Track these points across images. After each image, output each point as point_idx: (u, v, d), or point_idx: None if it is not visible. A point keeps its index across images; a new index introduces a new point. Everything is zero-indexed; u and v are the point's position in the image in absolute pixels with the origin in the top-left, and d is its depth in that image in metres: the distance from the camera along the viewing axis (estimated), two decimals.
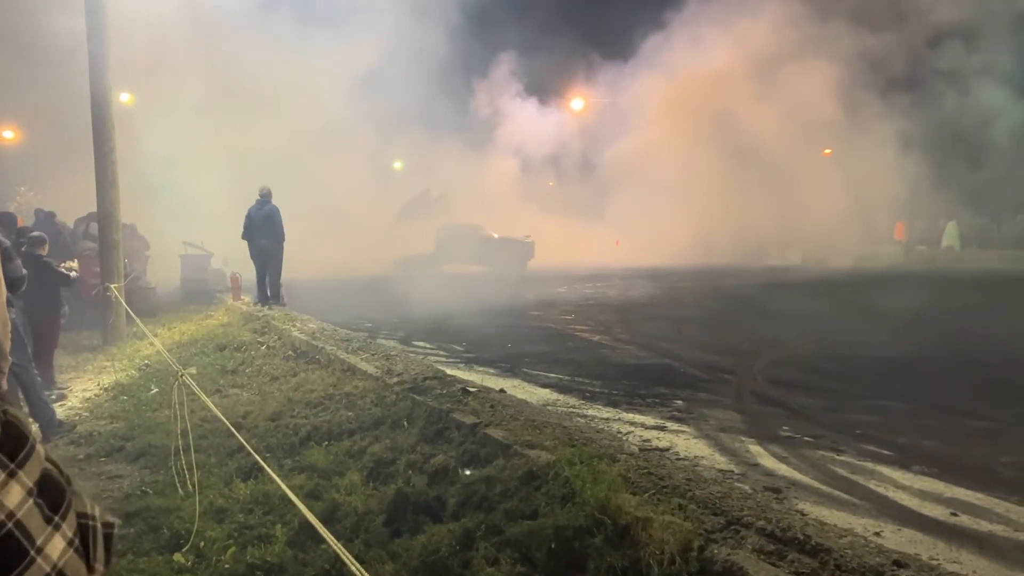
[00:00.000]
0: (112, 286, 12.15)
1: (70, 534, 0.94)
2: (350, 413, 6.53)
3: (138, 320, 10.24)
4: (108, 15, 12.93)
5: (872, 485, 5.19)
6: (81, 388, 9.69)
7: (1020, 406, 7.52)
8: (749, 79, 32.41)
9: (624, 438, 6.08)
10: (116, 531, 1.05)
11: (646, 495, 3.88)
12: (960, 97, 27.19)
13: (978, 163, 25.97)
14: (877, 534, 4.33)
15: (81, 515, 0.98)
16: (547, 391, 8.37)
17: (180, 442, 5.05)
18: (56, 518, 0.93)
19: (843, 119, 31.41)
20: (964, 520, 4.59)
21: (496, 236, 30.02)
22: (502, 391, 6.90)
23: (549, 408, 7.06)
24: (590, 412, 7.35)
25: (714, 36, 33.62)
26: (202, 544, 4.45)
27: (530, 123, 38.89)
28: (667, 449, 6.01)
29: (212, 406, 5.03)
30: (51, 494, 0.93)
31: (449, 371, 8.05)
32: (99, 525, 1.01)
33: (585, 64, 39.22)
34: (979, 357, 10.22)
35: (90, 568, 0.96)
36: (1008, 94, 25.59)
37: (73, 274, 9.53)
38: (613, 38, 38.79)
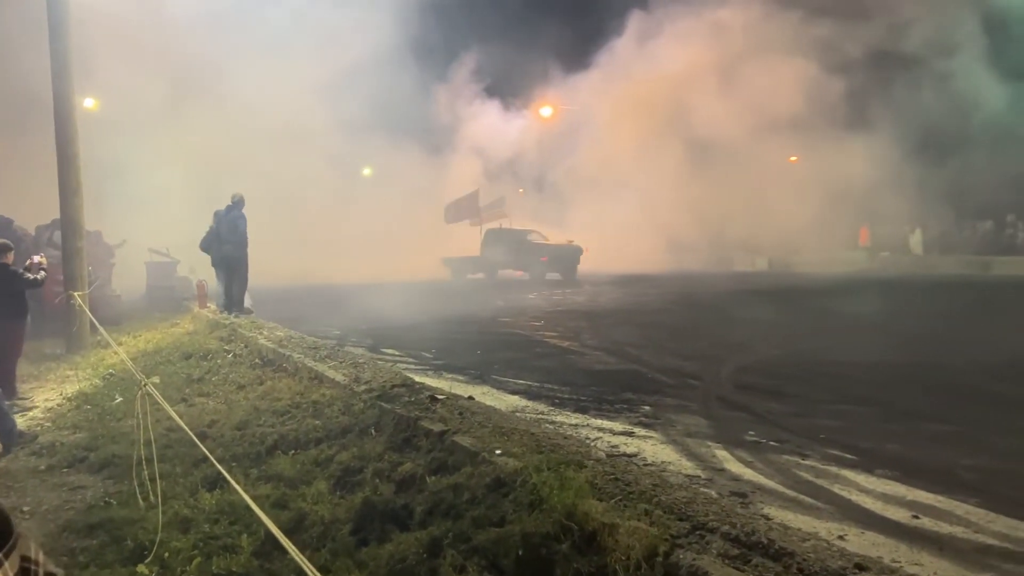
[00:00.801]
0: (76, 294, 11.99)
1: (12, 574, 0.94)
2: (317, 421, 6.49)
3: (102, 329, 10.10)
4: (71, 16, 12.77)
5: (836, 489, 5.25)
6: (43, 398, 9.55)
7: (980, 409, 7.66)
8: (714, 85, 32.69)
9: (592, 444, 6.09)
10: None
11: (613, 501, 3.90)
12: (924, 106, 27.61)
13: (940, 170, 26.40)
14: (841, 537, 4.38)
15: (25, 558, 0.98)
16: (516, 398, 8.38)
17: (144, 452, 4.99)
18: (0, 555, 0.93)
19: (808, 127, 31.78)
20: (925, 522, 4.66)
21: (545, 241, 29.85)
22: (471, 398, 6.90)
23: (518, 415, 7.06)
24: (559, 418, 7.37)
25: (676, 42, 33.81)
26: (166, 555, 4.40)
27: (495, 129, 38.89)
28: (634, 455, 6.04)
29: (175, 416, 4.98)
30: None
31: (418, 378, 8.02)
32: (41, 572, 1.01)
33: (551, 70, 39.26)
34: (940, 361, 10.38)
35: None
36: (972, 102, 26.06)
37: (42, 274, 9.37)
38: (578, 44, 38.59)
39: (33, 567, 1.00)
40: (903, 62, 28.43)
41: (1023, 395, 8.28)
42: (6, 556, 0.92)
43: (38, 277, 9.31)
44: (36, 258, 9.63)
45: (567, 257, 28.87)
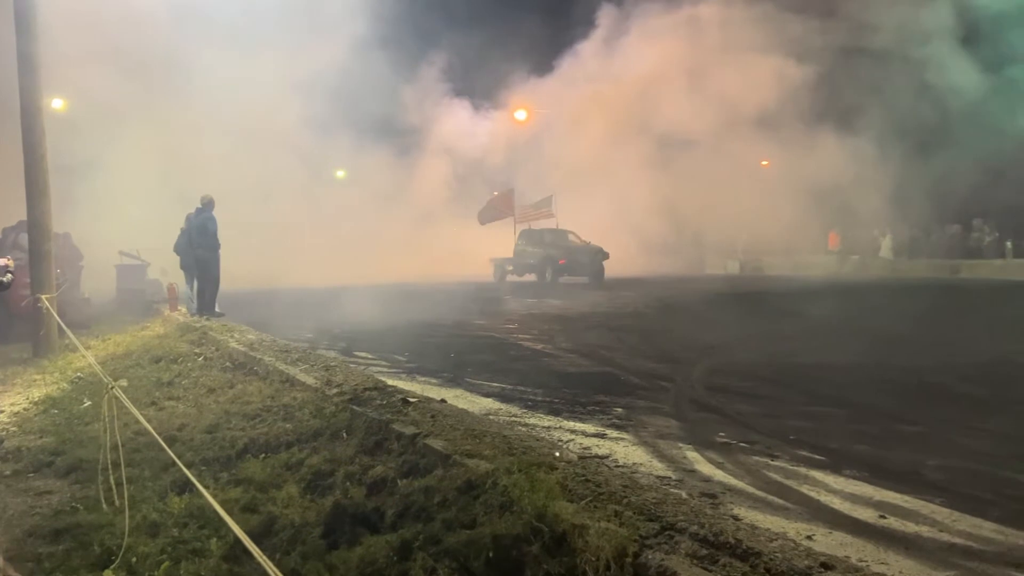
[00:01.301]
0: (44, 297, 11.83)
1: None
2: (288, 425, 6.46)
3: (69, 332, 9.98)
4: (39, 15, 12.62)
5: (805, 489, 5.30)
6: (10, 402, 9.41)
7: (946, 410, 7.76)
8: (685, 86, 32.82)
9: (564, 446, 6.12)
10: None
11: (583, 502, 3.92)
12: (895, 111, 27.97)
13: (910, 175, 26.75)
14: (809, 537, 4.43)
15: None
16: (489, 400, 8.37)
17: (111, 457, 4.94)
18: None
19: (780, 131, 32.07)
20: (892, 522, 4.72)
21: (581, 242, 29.43)
22: (443, 401, 6.90)
23: (491, 417, 7.07)
24: (531, 421, 7.38)
25: (646, 42, 33.87)
26: (134, 560, 4.36)
27: (465, 131, 38.72)
28: (606, 456, 6.06)
29: (142, 419, 4.94)
30: None
31: (391, 382, 8.01)
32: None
33: (522, 70, 39.07)
34: (908, 363, 10.51)
35: None
36: (943, 109, 26.41)
37: (8, 276, 9.20)
38: (549, 44, 38.37)
39: None
40: (876, 67, 28.77)
41: (988, 396, 8.40)
42: None
43: (3, 280, 9.14)
44: (2, 261, 9.46)
45: (596, 260, 28.39)
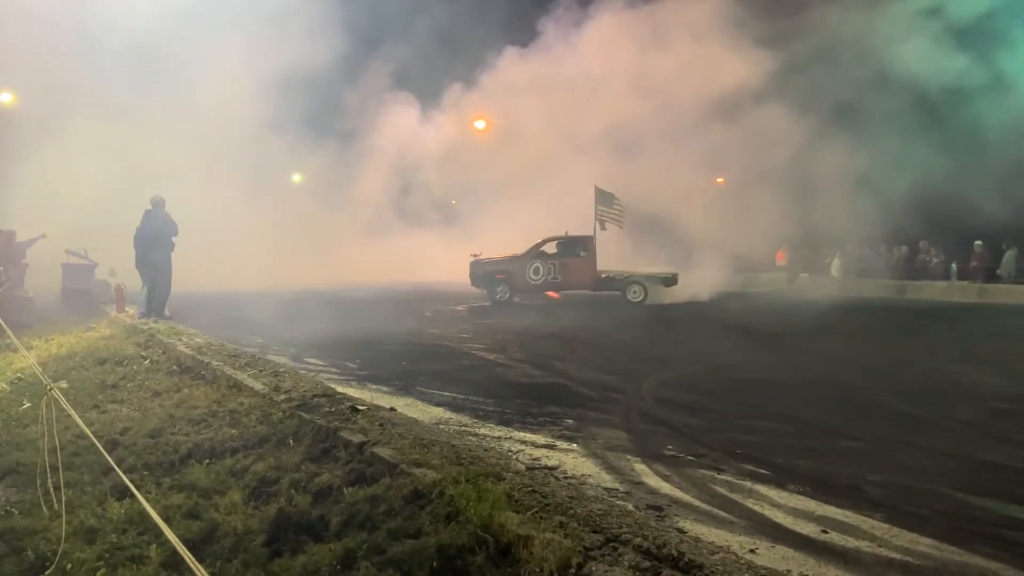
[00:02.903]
0: None
1: None
2: (234, 431, 6.37)
3: (10, 332, 9.73)
4: None
5: (749, 503, 5.38)
6: None
7: (887, 427, 7.91)
8: (634, 95, 32.97)
9: (513, 457, 6.12)
10: None
11: (530, 513, 3.92)
12: (847, 131, 28.48)
13: (859, 196, 27.26)
14: (752, 551, 4.49)
15: None
16: (440, 409, 8.35)
17: (49, 460, 4.83)
18: None
19: (732, 149, 32.43)
20: (833, 537, 4.80)
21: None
22: (392, 409, 6.86)
23: (441, 427, 7.05)
24: (482, 431, 7.37)
25: (595, 56, 33.97)
26: (69, 566, 4.27)
27: (413, 137, 38.41)
28: (555, 468, 6.08)
29: (81, 423, 4.84)
30: None
31: (341, 389, 7.95)
32: None
33: (472, 73, 38.80)
34: (852, 380, 10.70)
35: None
36: (895, 131, 26.95)
37: None
38: (500, 44, 37.97)
39: None
40: (829, 85, 29.25)
41: (928, 414, 8.59)
42: None
43: None
44: None
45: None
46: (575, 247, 25.51)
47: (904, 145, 25.90)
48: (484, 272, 25.07)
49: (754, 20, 29.94)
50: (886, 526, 4.98)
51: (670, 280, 24.74)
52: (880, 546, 4.67)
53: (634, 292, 24.14)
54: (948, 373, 11.53)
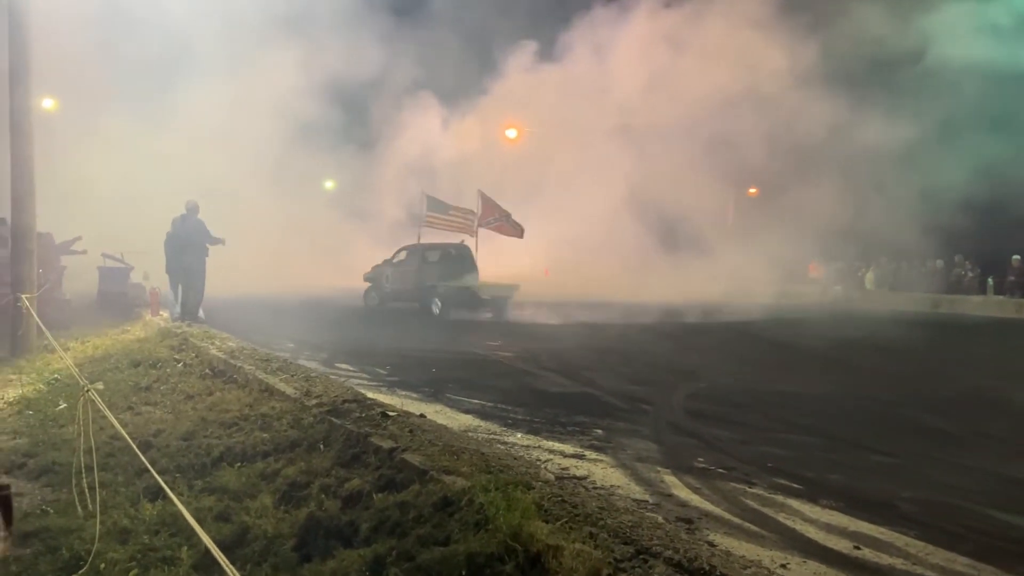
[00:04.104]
0: (24, 296, 11.73)
1: None
2: (265, 434, 6.41)
3: (47, 333, 9.89)
4: (31, 17, 12.58)
5: (781, 518, 5.32)
6: None
7: (920, 443, 7.81)
8: (671, 108, 32.86)
9: (542, 466, 6.10)
10: (11, 492, 1.08)
11: (559, 523, 3.91)
12: (884, 144, 28.17)
13: (895, 208, 26.95)
14: (783, 566, 4.44)
15: None
16: (469, 417, 8.36)
17: (85, 460, 4.89)
18: None
19: (768, 161, 32.22)
20: (866, 553, 4.74)
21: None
22: (422, 416, 6.87)
23: (470, 434, 7.05)
24: (510, 439, 7.37)
25: (627, 67, 33.84)
26: (102, 566, 4.31)
27: (437, 141, 38.43)
28: (584, 478, 6.06)
29: (116, 424, 4.90)
30: None
31: (371, 394, 7.98)
32: None
33: (499, 75, 38.69)
34: (884, 395, 10.57)
35: None
36: (926, 141, 26.64)
37: None
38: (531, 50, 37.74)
39: None
40: (863, 97, 28.99)
41: (962, 431, 8.46)
42: None
43: None
44: None
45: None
46: (413, 257, 24.49)
47: (942, 157, 25.57)
48: (366, 277, 24.91)
49: (788, 26, 29.72)
50: (921, 543, 4.91)
51: (495, 291, 22.63)
52: (915, 564, 4.60)
53: (436, 305, 22.38)
54: (982, 389, 11.35)
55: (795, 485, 6.10)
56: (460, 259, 23.74)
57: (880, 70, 28.04)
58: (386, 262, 24.86)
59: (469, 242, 24.79)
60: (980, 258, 31.25)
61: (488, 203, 25.21)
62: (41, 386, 9.71)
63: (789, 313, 24.76)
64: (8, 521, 1.05)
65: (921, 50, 26.58)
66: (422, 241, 25.71)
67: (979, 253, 31.12)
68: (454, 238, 25.29)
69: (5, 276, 13.23)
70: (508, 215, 25.37)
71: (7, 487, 1.06)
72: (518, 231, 25.55)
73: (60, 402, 8.52)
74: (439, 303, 22.29)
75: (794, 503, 5.64)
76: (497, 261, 28.35)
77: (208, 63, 28.90)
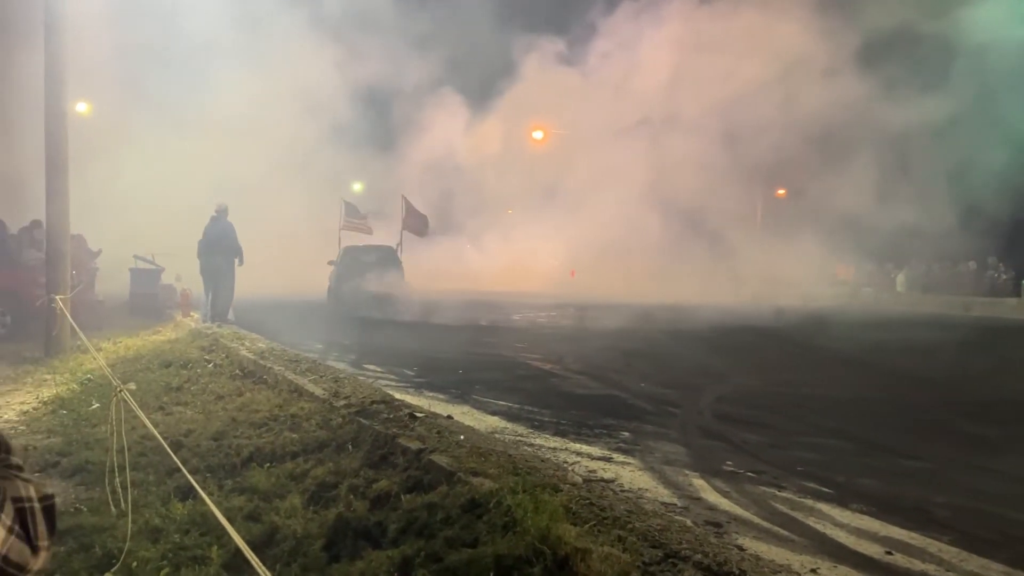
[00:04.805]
0: (58, 297, 11.90)
1: (8, 522, 1.00)
2: (294, 435, 6.45)
3: (81, 333, 10.02)
4: (67, 23, 12.77)
5: (811, 522, 5.27)
6: (19, 401, 9.45)
7: (953, 448, 7.71)
8: (699, 110, 32.65)
9: (569, 468, 6.09)
10: (56, 501, 1.10)
11: (587, 526, 3.90)
12: (915, 145, 27.84)
13: (927, 209, 26.62)
14: (814, 571, 4.40)
15: (17, 499, 1.04)
16: (496, 418, 8.37)
17: (117, 459, 4.95)
18: None
19: (796, 160, 31.94)
20: (898, 559, 4.68)
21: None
22: (449, 417, 6.89)
23: (496, 436, 7.05)
24: (537, 441, 7.37)
25: (657, 65, 33.59)
26: (134, 564, 4.35)
27: (459, 141, 38.46)
28: (612, 480, 6.04)
29: (148, 424, 4.95)
30: None
31: (398, 396, 8.01)
32: (36, 504, 1.06)
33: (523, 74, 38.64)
34: (916, 399, 10.45)
35: (34, 548, 1.00)
36: (963, 145, 26.27)
37: None
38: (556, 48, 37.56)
39: (27, 504, 1.05)
40: (896, 99, 28.65)
41: (996, 435, 8.33)
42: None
43: None
44: None
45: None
46: (339, 258, 25.73)
47: (975, 157, 25.22)
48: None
49: (819, 13, 29.40)
50: (955, 549, 4.83)
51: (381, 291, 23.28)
52: (948, 570, 4.53)
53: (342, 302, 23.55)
54: (1017, 393, 11.17)
55: (825, 489, 6.04)
56: (369, 262, 24.77)
57: (912, 68, 27.68)
58: (333, 262, 25.94)
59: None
60: (1013, 260, 30.78)
61: (410, 207, 26.90)
62: (74, 386, 9.85)
63: (818, 315, 24.52)
64: (51, 531, 1.07)
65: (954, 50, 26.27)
66: (347, 244, 26.85)
67: (1012, 255, 30.67)
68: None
69: (40, 278, 13.43)
70: (420, 216, 27.14)
71: (51, 496, 1.08)
72: (421, 228, 27.21)
73: (93, 402, 8.63)
74: (343, 301, 23.50)
75: (824, 507, 5.59)
76: (524, 262, 28.45)
77: (238, 63, 29.20)
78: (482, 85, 38.44)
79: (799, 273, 30.92)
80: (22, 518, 1.02)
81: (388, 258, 25.25)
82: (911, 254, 32.30)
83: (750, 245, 32.06)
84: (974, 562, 4.66)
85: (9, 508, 1.01)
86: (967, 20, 25.02)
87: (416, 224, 27.04)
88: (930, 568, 4.55)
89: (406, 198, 26.88)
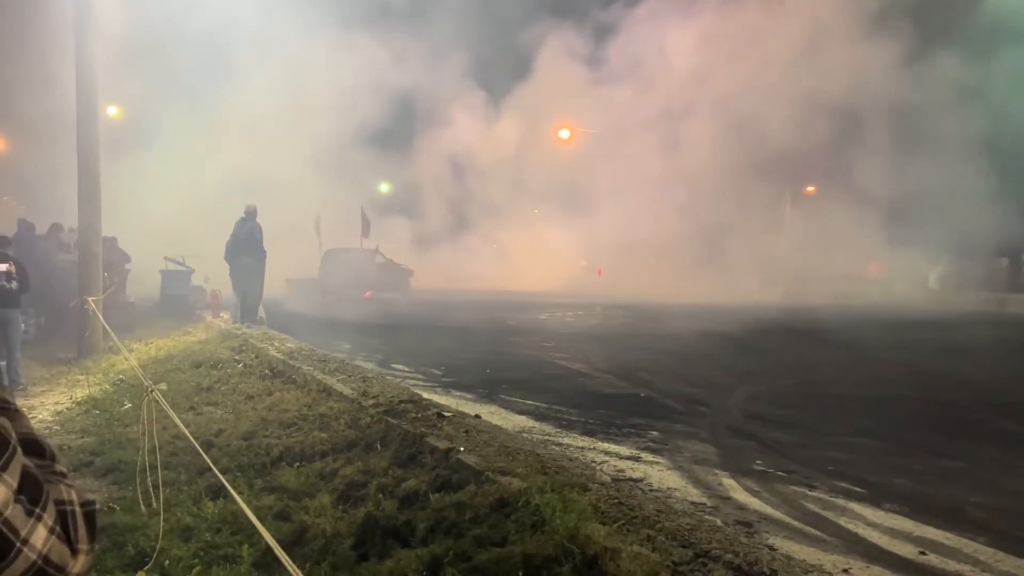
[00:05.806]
0: (90, 299, 12.05)
1: (51, 522, 1.01)
2: (323, 434, 6.49)
3: (113, 334, 10.15)
4: (97, 27, 12.94)
5: (843, 522, 5.21)
6: (53, 401, 9.59)
7: (989, 447, 7.58)
8: (727, 107, 32.43)
9: (598, 467, 6.07)
10: (97, 507, 1.11)
11: (616, 525, 3.88)
12: (946, 141, 27.45)
13: (959, 206, 26.24)
14: (846, 571, 4.34)
15: (59, 502, 1.05)
16: (523, 418, 8.36)
17: (149, 459, 5.00)
18: (37, 510, 1.00)
19: (824, 157, 31.66)
20: (932, 559, 4.61)
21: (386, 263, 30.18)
22: (477, 416, 6.89)
23: (524, 435, 7.04)
24: (565, 440, 7.35)
25: (683, 64, 33.35)
26: (166, 563, 4.40)
27: (484, 141, 38.46)
28: (640, 480, 6.01)
29: (180, 424, 4.99)
30: (31, 489, 1.00)
31: (426, 395, 8.02)
32: (78, 508, 1.07)
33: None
34: (949, 398, 10.30)
35: (74, 550, 1.04)
36: (995, 141, 25.87)
37: (13, 283, 9.93)
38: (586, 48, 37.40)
39: (69, 508, 1.06)
40: (925, 95, 28.28)
41: None
42: (3, 469, 0.97)
43: (10, 287, 9.96)
44: (3, 267, 10.07)
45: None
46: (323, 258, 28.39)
47: (1008, 153, 24.84)
48: None
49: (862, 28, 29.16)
50: (990, 550, 4.75)
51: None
52: (984, 571, 4.46)
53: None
54: None
55: (857, 489, 5.97)
56: (350, 261, 28.40)
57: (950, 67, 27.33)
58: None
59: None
60: None
61: (365, 219, 29.80)
62: (107, 386, 9.97)
63: (849, 314, 24.26)
64: (92, 535, 1.09)
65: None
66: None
67: None
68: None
69: (72, 280, 13.61)
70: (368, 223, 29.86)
71: (93, 503, 1.10)
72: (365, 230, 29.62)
73: (125, 402, 8.74)
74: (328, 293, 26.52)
75: (856, 507, 5.52)
76: (551, 262, 28.47)
77: (266, 63, 29.47)
78: (506, 84, 38.50)
79: (830, 271, 30.62)
80: (63, 520, 1.05)
81: (367, 259, 28.95)
82: (943, 251, 31.86)
83: (780, 243, 31.80)
84: (1010, 563, 4.59)
85: (52, 509, 1.02)
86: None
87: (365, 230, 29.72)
88: (965, 569, 4.48)
89: (363, 209, 29.85)
